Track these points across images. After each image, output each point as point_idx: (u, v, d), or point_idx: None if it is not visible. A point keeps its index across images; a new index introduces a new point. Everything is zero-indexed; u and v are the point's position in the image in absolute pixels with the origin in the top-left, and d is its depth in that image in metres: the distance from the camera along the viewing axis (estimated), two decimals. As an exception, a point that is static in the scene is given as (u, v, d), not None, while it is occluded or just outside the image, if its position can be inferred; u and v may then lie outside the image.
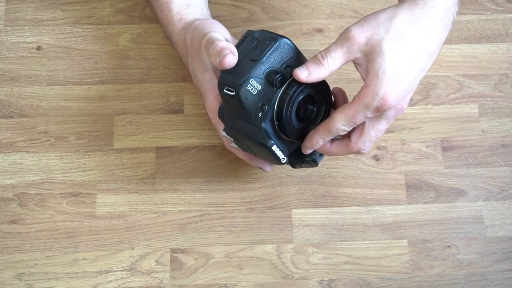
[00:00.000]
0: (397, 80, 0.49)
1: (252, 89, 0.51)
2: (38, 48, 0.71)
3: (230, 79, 0.52)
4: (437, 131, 0.69)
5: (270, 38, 0.53)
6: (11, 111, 0.68)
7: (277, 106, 0.52)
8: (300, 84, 0.52)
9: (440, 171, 0.68)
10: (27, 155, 0.67)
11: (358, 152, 0.55)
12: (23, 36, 0.72)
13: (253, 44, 0.53)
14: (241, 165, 0.67)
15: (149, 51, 0.71)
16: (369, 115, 0.51)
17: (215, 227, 0.65)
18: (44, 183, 0.66)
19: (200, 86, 0.59)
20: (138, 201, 0.65)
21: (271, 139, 0.53)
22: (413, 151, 0.68)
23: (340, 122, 0.52)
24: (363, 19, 0.51)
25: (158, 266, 0.63)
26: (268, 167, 0.61)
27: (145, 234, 0.64)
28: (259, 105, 0.52)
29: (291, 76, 0.52)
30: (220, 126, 0.57)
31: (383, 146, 0.68)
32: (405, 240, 0.65)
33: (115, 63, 0.71)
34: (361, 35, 0.50)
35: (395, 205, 0.66)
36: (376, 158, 0.68)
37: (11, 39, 0.71)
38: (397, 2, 0.53)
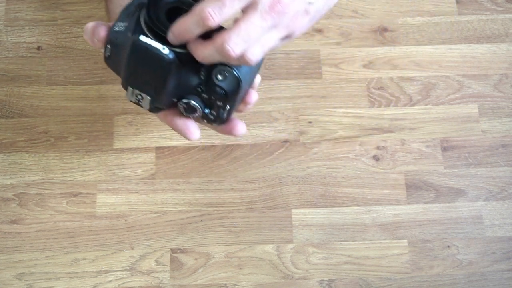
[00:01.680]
0: None
1: (119, 28, 0.49)
2: (38, 48, 0.71)
3: (105, 43, 0.51)
4: (437, 131, 0.69)
5: None
6: (11, 111, 0.68)
7: (144, 23, 0.48)
8: None
9: (440, 171, 0.68)
10: (27, 155, 0.67)
11: (222, 47, 0.45)
12: (23, 36, 0.72)
13: None
14: (241, 165, 0.67)
15: (149, 51, 0.71)
16: None
17: (215, 227, 0.65)
18: (44, 183, 0.66)
19: None
20: (138, 201, 0.65)
21: (139, 33, 0.47)
22: (413, 151, 0.68)
23: (206, 2, 0.44)
24: None
25: (158, 266, 0.63)
26: (192, 131, 0.52)
27: (145, 234, 0.64)
28: (128, 34, 0.49)
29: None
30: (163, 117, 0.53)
31: (383, 146, 0.68)
32: (405, 240, 0.65)
33: (115, 63, 0.71)
34: None
35: (395, 205, 0.66)
36: (376, 158, 0.68)
37: (11, 39, 0.71)
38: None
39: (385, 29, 0.73)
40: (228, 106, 0.51)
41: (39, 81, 0.70)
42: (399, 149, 0.68)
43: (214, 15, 0.43)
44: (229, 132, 0.54)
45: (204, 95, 0.50)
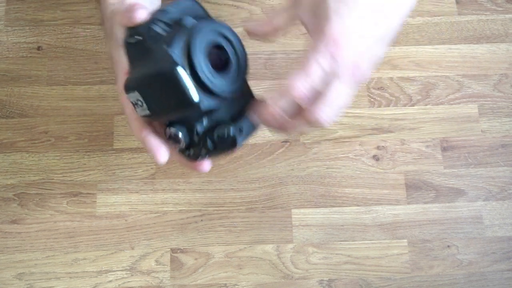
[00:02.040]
0: (345, 30, 0.46)
1: (159, 29, 0.47)
2: (39, 48, 0.71)
3: (135, 28, 0.48)
4: (437, 131, 0.69)
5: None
6: (11, 111, 0.68)
7: (186, 43, 0.46)
8: (210, 24, 0.47)
9: (440, 171, 0.68)
10: (28, 155, 0.67)
11: (316, 122, 0.47)
12: (24, 36, 0.72)
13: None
14: (241, 165, 0.67)
15: (149, 51, 0.71)
16: (322, 62, 0.45)
17: (215, 227, 0.65)
18: (45, 183, 0.66)
19: (114, 66, 0.53)
20: (138, 201, 0.66)
21: (178, 63, 0.45)
22: (413, 151, 0.68)
23: (294, 78, 0.45)
24: None
25: (158, 266, 0.63)
26: (162, 154, 0.50)
27: (145, 234, 0.64)
28: (165, 46, 0.46)
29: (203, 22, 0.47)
30: (127, 103, 0.51)
31: (383, 146, 0.69)
32: (405, 240, 0.65)
33: (115, 63, 0.71)
34: None
35: (395, 205, 0.66)
36: (376, 158, 0.68)
37: (11, 39, 0.71)
38: None
39: (385, 29, 0.73)
40: (207, 156, 0.50)
41: (39, 81, 0.70)
42: (399, 149, 0.69)
43: (302, 87, 0.45)
44: (193, 168, 0.53)
45: (196, 136, 0.49)
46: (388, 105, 0.70)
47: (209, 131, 0.49)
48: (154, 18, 0.47)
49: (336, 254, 0.64)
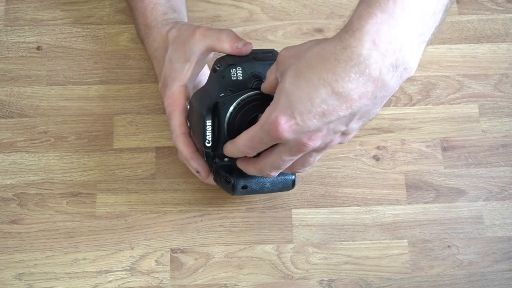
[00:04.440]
0: (290, 111, 0.45)
1: (234, 74, 0.54)
2: (38, 48, 0.71)
3: (228, 59, 0.56)
4: (437, 131, 0.69)
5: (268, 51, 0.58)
6: (11, 111, 0.68)
7: (240, 100, 0.54)
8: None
9: (440, 171, 0.68)
10: (27, 155, 0.67)
11: (260, 173, 0.54)
12: (23, 36, 0.72)
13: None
14: (241, 165, 0.67)
15: (149, 51, 0.71)
16: (265, 139, 0.48)
17: (215, 227, 0.65)
18: (44, 183, 0.66)
19: (172, 73, 0.60)
20: (138, 201, 0.65)
21: (208, 117, 0.53)
22: (413, 151, 0.68)
23: (242, 141, 0.51)
24: (299, 44, 0.49)
25: (158, 266, 0.63)
26: (204, 173, 0.60)
27: (145, 234, 0.64)
28: (228, 89, 0.54)
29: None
30: (176, 114, 0.59)
31: (383, 146, 0.68)
32: (405, 240, 0.65)
33: (115, 63, 0.71)
34: (283, 56, 0.49)
35: (395, 205, 0.66)
36: (376, 158, 0.68)
37: (11, 39, 0.71)
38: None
39: (385, 29, 0.73)
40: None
41: (39, 81, 0.70)
42: (399, 149, 0.68)
43: (248, 151, 0.52)
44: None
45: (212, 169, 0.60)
46: (388, 105, 0.70)
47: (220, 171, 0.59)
48: (239, 63, 0.55)
49: (336, 254, 0.64)
